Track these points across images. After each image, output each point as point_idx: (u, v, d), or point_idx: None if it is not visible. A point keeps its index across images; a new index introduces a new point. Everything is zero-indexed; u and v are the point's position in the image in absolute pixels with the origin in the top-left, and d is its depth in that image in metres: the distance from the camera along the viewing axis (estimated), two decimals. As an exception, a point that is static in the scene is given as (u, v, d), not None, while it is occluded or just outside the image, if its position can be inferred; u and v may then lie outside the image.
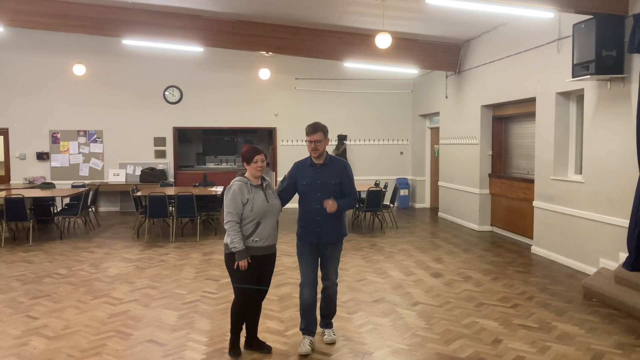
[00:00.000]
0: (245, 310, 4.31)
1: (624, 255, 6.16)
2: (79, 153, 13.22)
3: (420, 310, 5.56)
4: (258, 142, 16.52)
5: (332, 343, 4.59)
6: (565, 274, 7.02)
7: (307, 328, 4.52)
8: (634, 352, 4.44)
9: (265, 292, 4.44)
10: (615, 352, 4.44)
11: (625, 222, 6.19)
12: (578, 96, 7.64)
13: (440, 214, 12.33)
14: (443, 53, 11.06)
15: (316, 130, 4.43)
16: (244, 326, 4.40)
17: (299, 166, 4.61)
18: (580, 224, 7.23)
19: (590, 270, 6.89)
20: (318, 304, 4.61)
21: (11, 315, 5.41)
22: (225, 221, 4.13)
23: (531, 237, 8.62)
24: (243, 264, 4.07)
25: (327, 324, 4.74)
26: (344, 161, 4.71)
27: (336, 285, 4.64)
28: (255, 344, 4.45)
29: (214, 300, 5.90)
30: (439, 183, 12.37)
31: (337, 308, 5.55)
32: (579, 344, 4.60)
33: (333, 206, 4.32)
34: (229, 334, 4.84)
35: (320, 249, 4.52)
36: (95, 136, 13.24)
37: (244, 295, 4.23)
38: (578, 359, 4.30)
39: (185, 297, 6.05)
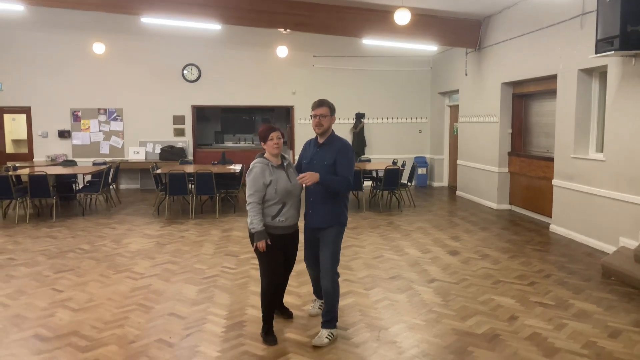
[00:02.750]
0: (274, 294, 4.28)
1: (644, 234, 6.11)
2: (100, 131, 13.39)
3: (436, 287, 5.59)
4: (275, 120, 16.55)
5: (319, 346, 4.09)
6: (584, 253, 6.98)
7: (318, 293, 4.73)
8: (652, 330, 4.44)
9: (291, 268, 4.51)
10: (633, 330, 4.44)
11: (647, 201, 6.12)
12: (601, 73, 7.50)
13: (458, 192, 12.29)
14: (463, 29, 10.90)
15: (322, 104, 4.22)
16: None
17: (306, 145, 4.47)
18: (600, 203, 7.16)
19: (610, 249, 6.84)
20: None
21: (37, 288, 5.58)
22: (247, 203, 4.09)
23: (550, 216, 8.56)
24: (261, 245, 4.00)
25: (323, 322, 4.26)
26: (345, 142, 4.30)
27: (332, 276, 4.17)
28: (279, 309, 4.61)
29: (233, 276, 6.00)
30: (458, 161, 12.29)
31: (356, 285, 5.59)
32: (595, 322, 4.61)
33: (310, 178, 3.98)
34: (249, 308, 4.96)
35: (313, 232, 4.33)
36: (115, 114, 13.38)
37: (274, 278, 4.18)
38: (594, 336, 4.31)
39: (205, 272, 6.16)
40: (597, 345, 4.13)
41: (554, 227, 8.29)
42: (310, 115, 4.26)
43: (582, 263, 6.50)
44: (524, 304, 5.05)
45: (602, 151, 7.35)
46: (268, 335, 4.21)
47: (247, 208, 4.08)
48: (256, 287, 5.57)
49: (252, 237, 4.09)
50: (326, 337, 4.15)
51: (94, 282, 5.81)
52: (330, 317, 4.22)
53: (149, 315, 4.81)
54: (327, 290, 4.19)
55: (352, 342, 4.21)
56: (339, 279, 4.30)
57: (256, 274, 6.07)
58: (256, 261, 6.56)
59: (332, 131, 4.32)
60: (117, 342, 4.21)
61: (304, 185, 4.04)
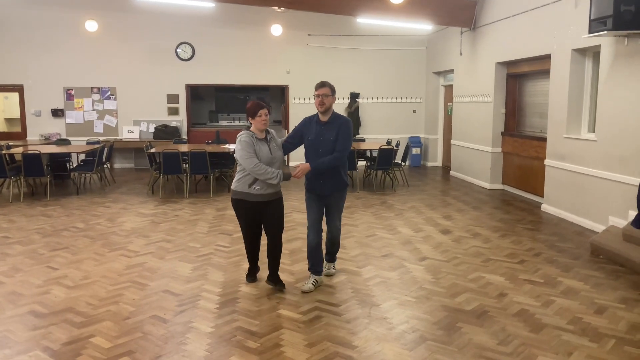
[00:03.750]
0: (250, 245, 4.94)
1: (633, 214, 6.18)
2: (93, 110, 13.33)
3: (427, 265, 5.67)
4: (270, 99, 16.49)
5: (330, 275, 5.23)
6: (574, 232, 7.07)
7: (313, 267, 4.95)
8: (637, 306, 4.53)
9: (276, 232, 4.79)
10: (619, 306, 4.53)
11: (636, 181, 6.19)
12: (594, 53, 7.51)
13: (452, 172, 12.35)
14: (458, 8, 10.85)
15: (324, 85, 4.71)
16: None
17: (306, 122, 4.88)
18: (591, 182, 7.23)
19: (600, 228, 6.93)
20: (323, 245, 5.07)
21: (32, 266, 5.62)
22: (250, 167, 4.51)
23: (542, 196, 8.64)
24: (300, 174, 4.63)
25: (330, 259, 5.28)
26: (346, 119, 4.84)
27: (340, 228, 5.02)
28: (272, 280, 4.87)
29: (227, 254, 6.06)
30: (452, 141, 12.33)
31: (348, 263, 5.71)
32: (582, 299, 4.70)
33: (302, 171, 4.62)
34: (242, 285, 5.03)
35: (325, 198, 4.86)
36: (108, 93, 13.31)
37: (246, 239, 4.94)
38: (581, 312, 4.40)
39: (199, 250, 6.22)
40: (582, 321, 4.22)
41: (545, 207, 8.38)
42: (314, 95, 4.72)
43: (572, 242, 6.59)
44: (513, 282, 5.14)
45: (594, 131, 7.40)
46: (248, 275, 5.12)
47: (255, 170, 4.50)
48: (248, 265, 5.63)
49: (235, 202, 4.80)
50: (312, 284, 4.86)
51: (88, 260, 5.86)
52: (334, 255, 5.29)
53: (144, 292, 4.87)
54: (336, 238, 5.05)
55: (344, 317, 4.28)
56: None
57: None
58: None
59: (333, 110, 4.81)
60: (112, 319, 4.27)
61: (297, 177, 4.65)
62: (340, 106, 13.73)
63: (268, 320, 4.23)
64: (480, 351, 3.72)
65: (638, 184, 6.07)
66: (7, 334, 3.99)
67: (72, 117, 13.27)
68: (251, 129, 4.65)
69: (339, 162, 4.72)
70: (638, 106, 6.29)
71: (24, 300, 4.67)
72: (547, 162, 8.34)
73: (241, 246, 6.34)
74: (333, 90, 4.74)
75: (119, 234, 6.98)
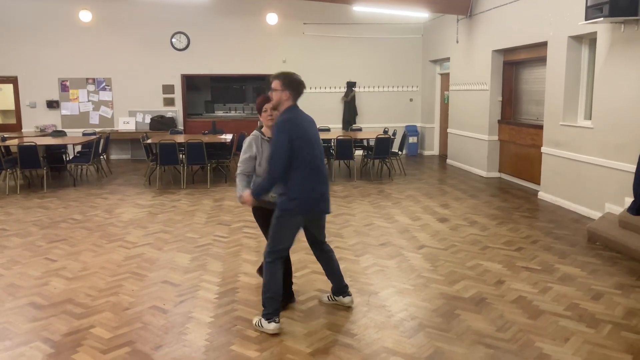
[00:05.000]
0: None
1: (629, 200, 6.21)
2: (89, 101, 13.26)
3: (425, 253, 5.69)
4: (267, 89, 16.41)
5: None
6: (571, 219, 7.11)
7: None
8: (633, 292, 4.56)
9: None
10: (615, 292, 4.57)
11: (632, 167, 6.20)
12: (591, 40, 7.50)
13: (448, 160, 12.36)
14: (454, -4, 10.79)
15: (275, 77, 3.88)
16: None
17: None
18: (587, 170, 7.25)
19: (596, 215, 6.96)
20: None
21: (31, 258, 5.62)
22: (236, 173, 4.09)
23: (538, 183, 8.66)
24: (245, 197, 3.85)
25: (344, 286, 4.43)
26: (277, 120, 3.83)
27: (265, 256, 3.93)
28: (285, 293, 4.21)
29: (225, 244, 6.07)
30: (448, 130, 12.33)
31: (346, 251, 5.70)
32: (579, 285, 4.73)
33: (248, 202, 3.88)
34: (241, 275, 5.05)
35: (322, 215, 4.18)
36: (104, 84, 13.23)
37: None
38: (578, 298, 4.43)
39: (198, 240, 6.22)
40: (579, 307, 4.25)
41: (542, 194, 8.40)
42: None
43: (569, 229, 6.62)
44: (510, 269, 5.17)
45: (590, 118, 7.40)
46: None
47: (236, 177, 4.08)
48: (248, 255, 5.65)
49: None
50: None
51: (87, 251, 5.86)
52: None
53: (143, 283, 4.88)
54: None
55: (342, 307, 4.30)
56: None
57: (248, 242, 6.16)
58: (248, 229, 6.67)
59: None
60: (111, 309, 4.29)
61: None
62: (336, 95, 13.71)
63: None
64: (478, 338, 3.75)
65: (634, 171, 6.09)
66: (7, 326, 4.00)
67: (67, 109, 13.20)
68: (263, 127, 4.15)
69: (271, 183, 3.75)
70: (634, 93, 6.30)
71: (23, 292, 4.68)
72: (543, 149, 8.35)
73: (239, 236, 6.38)
74: (284, 83, 3.81)
75: (117, 225, 6.98)
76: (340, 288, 4.29)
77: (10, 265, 5.40)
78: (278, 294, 3.85)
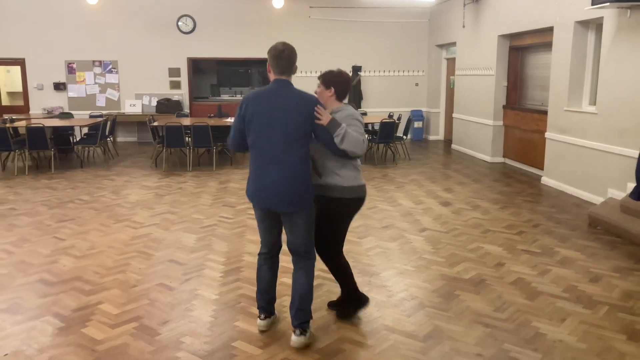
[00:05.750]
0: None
1: (631, 186, 6.25)
2: (95, 83, 13.33)
3: (427, 235, 5.77)
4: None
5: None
6: (573, 204, 7.16)
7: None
8: (631, 275, 4.63)
9: None
10: (613, 275, 4.64)
11: (635, 153, 6.24)
12: (597, 25, 7.48)
13: (453, 145, 12.39)
14: (461, -20, 10.73)
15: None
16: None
17: None
18: (590, 155, 7.28)
19: (598, 200, 7.01)
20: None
21: (40, 237, 5.74)
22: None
23: (542, 169, 8.70)
24: None
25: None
26: None
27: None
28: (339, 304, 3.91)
29: (231, 225, 6.16)
30: (454, 115, 12.34)
31: (349, 234, 5.77)
32: (578, 268, 4.81)
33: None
34: (246, 255, 5.15)
35: None
36: (110, 66, 13.28)
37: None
38: (575, 280, 4.51)
39: (203, 221, 6.32)
40: (577, 289, 4.33)
41: (545, 179, 8.45)
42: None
43: (571, 213, 6.68)
44: (511, 252, 5.24)
45: (594, 104, 7.41)
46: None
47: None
48: (252, 236, 5.74)
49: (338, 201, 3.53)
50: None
51: (94, 231, 5.97)
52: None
53: (150, 261, 4.99)
54: None
55: (345, 286, 4.40)
56: None
57: (253, 223, 6.24)
58: (252, 211, 6.75)
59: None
60: (119, 287, 4.40)
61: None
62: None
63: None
64: (477, 317, 3.84)
65: (637, 157, 6.12)
66: (18, 301, 4.12)
67: (74, 91, 13.28)
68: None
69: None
70: (639, 79, 6.30)
71: (33, 269, 4.80)
72: (547, 135, 8.38)
73: (244, 217, 6.48)
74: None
75: (124, 206, 7.09)
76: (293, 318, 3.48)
77: (21, 243, 5.53)
78: (261, 290, 3.61)
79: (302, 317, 3.42)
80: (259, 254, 3.62)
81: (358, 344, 3.47)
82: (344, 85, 3.57)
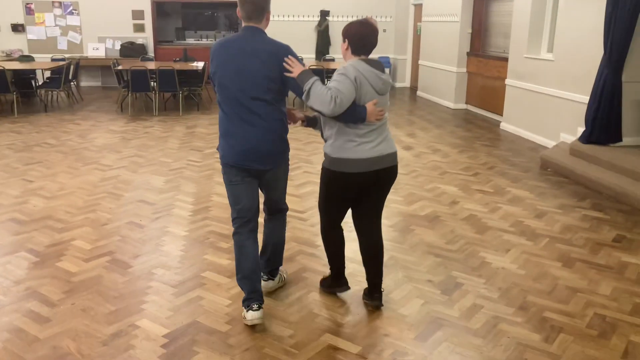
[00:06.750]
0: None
1: (582, 130, 6.61)
2: (56, 25, 12.93)
3: (388, 177, 6.04)
4: (237, 18, 16.11)
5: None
6: (528, 148, 7.52)
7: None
8: (573, 211, 5.02)
9: None
10: (556, 211, 5.02)
11: (587, 99, 6.55)
12: (558, -27, 7.64)
13: (419, 92, 12.60)
14: None
15: None
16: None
17: None
18: (546, 101, 7.60)
19: (552, 144, 7.37)
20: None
21: (8, 179, 5.79)
22: None
23: (502, 115, 9.02)
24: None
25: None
26: None
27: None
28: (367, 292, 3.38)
29: (199, 168, 6.31)
30: (419, 62, 12.49)
31: (312, 176, 5.98)
32: (526, 205, 5.16)
33: None
34: (214, 195, 5.34)
35: None
36: (71, 8, 12.87)
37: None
38: (522, 216, 4.86)
39: (171, 164, 6.45)
40: (523, 224, 4.69)
41: (504, 125, 8.78)
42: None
43: (525, 156, 7.04)
44: (465, 191, 5.57)
45: (552, 51, 7.67)
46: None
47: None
48: (220, 178, 5.90)
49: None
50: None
51: (63, 173, 6.05)
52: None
53: (119, 202, 5.14)
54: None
55: (308, 222, 4.66)
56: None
57: (219, 166, 6.39)
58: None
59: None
60: (90, 225, 4.55)
61: None
62: (309, 24, 13.61)
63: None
64: (429, 249, 4.16)
65: (587, 102, 6.45)
66: (-9, 239, 4.25)
67: (33, 33, 12.87)
68: None
69: None
70: (593, 26, 6.55)
71: (3, 209, 4.90)
72: (507, 81, 8.65)
73: (212, 161, 6.62)
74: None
75: (91, 149, 7.13)
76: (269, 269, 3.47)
77: (-11, 185, 5.59)
78: (247, 274, 3.09)
79: (273, 264, 3.44)
80: (238, 228, 3.14)
81: (318, 272, 3.75)
82: (360, 38, 2.99)
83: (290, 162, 3.34)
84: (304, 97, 2.88)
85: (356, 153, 2.99)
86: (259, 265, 3.17)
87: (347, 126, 2.98)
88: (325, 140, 3.12)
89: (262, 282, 3.32)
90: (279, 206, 3.35)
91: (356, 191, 3.14)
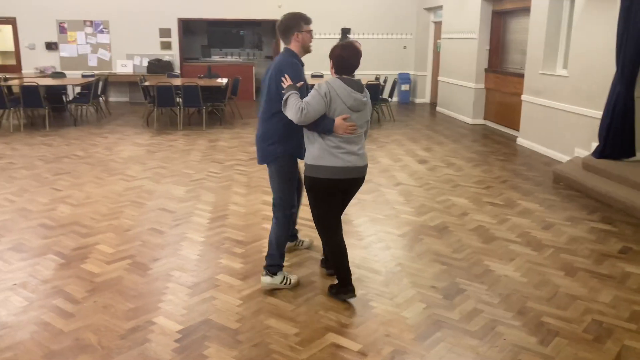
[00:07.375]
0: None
1: (595, 145, 6.67)
2: (87, 43, 13.48)
3: (401, 189, 6.20)
4: (262, 34, 16.56)
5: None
6: (542, 162, 7.59)
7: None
8: (581, 224, 5.09)
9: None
10: (564, 223, 5.10)
11: (600, 114, 6.62)
12: (572, -10, 7.77)
13: (438, 108, 12.74)
14: (448, -57, 10.88)
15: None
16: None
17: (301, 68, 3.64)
18: (561, 116, 7.68)
19: (566, 159, 7.44)
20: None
21: (38, 188, 6.12)
22: None
23: (518, 130, 9.10)
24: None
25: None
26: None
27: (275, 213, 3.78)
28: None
29: (218, 179, 6.56)
30: (439, 78, 12.64)
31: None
32: (534, 217, 5.26)
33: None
34: (231, 205, 5.56)
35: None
36: (101, 26, 13.41)
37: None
38: (530, 228, 4.96)
39: (192, 175, 6.71)
40: (529, 235, 4.79)
41: (520, 140, 8.86)
42: (307, 31, 3.72)
43: (538, 171, 7.12)
44: (476, 204, 5.68)
45: (567, 67, 7.77)
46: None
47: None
48: (238, 189, 6.15)
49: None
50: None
51: (89, 183, 6.35)
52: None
53: (142, 209, 5.40)
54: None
55: (320, 231, 4.84)
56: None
57: (239, 177, 6.65)
58: (240, 166, 7.15)
59: None
60: (114, 231, 4.81)
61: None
62: (331, 42, 13.83)
63: (253, 232, 4.78)
64: (436, 257, 4.29)
65: (600, 117, 6.53)
66: (22, 242, 4.53)
67: (66, 51, 13.44)
68: None
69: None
70: (606, 43, 6.64)
71: (33, 215, 5.20)
72: (523, 97, 8.75)
73: (231, 172, 6.87)
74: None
75: (117, 161, 7.45)
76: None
77: (21, 193, 5.91)
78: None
79: (267, 260, 3.73)
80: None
81: (326, 277, 3.92)
82: (341, 60, 3.37)
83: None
84: (282, 106, 3.37)
85: (327, 161, 3.36)
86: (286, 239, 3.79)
87: (320, 136, 3.36)
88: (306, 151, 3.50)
89: (261, 277, 3.79)
90: (274, 202, 3.77)
91: (333, 193, 3.51)
